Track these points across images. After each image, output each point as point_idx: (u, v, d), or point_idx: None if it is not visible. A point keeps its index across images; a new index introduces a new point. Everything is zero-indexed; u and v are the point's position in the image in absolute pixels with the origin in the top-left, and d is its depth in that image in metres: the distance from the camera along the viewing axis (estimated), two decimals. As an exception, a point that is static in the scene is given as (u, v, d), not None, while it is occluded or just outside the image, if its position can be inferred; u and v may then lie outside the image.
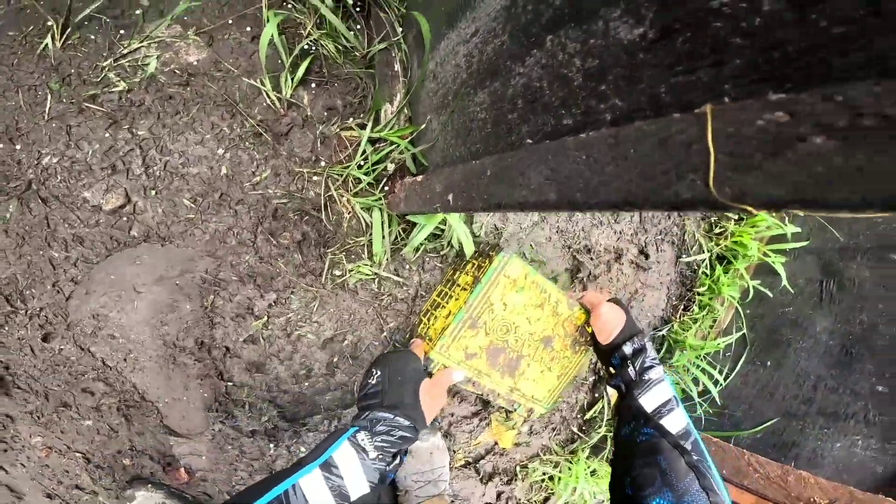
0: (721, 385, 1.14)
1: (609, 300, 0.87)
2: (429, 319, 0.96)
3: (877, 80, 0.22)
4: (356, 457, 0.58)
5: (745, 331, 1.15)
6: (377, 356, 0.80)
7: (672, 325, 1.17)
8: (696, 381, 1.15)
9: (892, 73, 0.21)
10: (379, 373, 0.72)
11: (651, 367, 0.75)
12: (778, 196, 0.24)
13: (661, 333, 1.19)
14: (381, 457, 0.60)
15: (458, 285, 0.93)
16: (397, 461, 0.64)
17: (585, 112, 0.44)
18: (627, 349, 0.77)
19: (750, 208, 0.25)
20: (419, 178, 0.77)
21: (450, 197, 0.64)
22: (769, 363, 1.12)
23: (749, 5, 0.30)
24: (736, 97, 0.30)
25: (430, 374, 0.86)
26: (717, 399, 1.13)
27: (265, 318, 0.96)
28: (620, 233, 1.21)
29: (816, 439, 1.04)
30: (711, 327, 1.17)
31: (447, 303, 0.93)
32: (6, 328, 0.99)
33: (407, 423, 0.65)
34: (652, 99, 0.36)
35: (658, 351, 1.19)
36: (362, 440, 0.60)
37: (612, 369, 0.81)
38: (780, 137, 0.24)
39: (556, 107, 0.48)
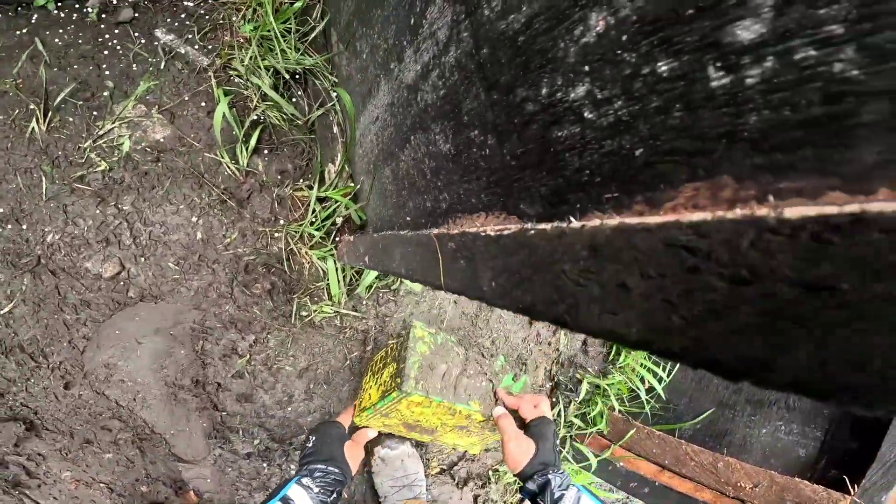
0: (665, 381, 1.25)
1: (532, 420, 0.89)
2: (367, 382, 1.02)
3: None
4: (305, 493, 0.75)
5: (684, 328, 1.24)
6: (314, 426, 0.98)
7: (617, 329, 1.27)
8: (642, 379, 1.26)
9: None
10: (314, 438, 0.90)
11: (561, 496, 0.76)
12: (457, 290, 0.40)
13: (607, 337, 1.29)
14: (322, 492, 0.78)
15: (387, 367, 0.93)
16: (335, 496, 0.81)
17: (434, 199, 0.57)
18: (532, 486, 0.80)
19: (454, 295, 0.41)
20: (352, 238, 0.90)
21: (366, 258, 0.77)
22: (705, 357, 1.21)
23: (483, 140, 0.42)
24: (486, 207, 0.43)
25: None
26: (662, 395, 1.24)
27: (248, 356, 1.11)
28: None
29: (745, 426, 1.14)
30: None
31: (378, 378, 0.96)
32: (32, 380, 1.16)
33: (336, 470, 0.83)
34: (459, 197, 0.50)
35: (607, 355, 1.31)
36: (306, 482, 0.78)
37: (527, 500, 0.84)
38: (454, 256, 0.41)
39: (422, 192, 0.61)
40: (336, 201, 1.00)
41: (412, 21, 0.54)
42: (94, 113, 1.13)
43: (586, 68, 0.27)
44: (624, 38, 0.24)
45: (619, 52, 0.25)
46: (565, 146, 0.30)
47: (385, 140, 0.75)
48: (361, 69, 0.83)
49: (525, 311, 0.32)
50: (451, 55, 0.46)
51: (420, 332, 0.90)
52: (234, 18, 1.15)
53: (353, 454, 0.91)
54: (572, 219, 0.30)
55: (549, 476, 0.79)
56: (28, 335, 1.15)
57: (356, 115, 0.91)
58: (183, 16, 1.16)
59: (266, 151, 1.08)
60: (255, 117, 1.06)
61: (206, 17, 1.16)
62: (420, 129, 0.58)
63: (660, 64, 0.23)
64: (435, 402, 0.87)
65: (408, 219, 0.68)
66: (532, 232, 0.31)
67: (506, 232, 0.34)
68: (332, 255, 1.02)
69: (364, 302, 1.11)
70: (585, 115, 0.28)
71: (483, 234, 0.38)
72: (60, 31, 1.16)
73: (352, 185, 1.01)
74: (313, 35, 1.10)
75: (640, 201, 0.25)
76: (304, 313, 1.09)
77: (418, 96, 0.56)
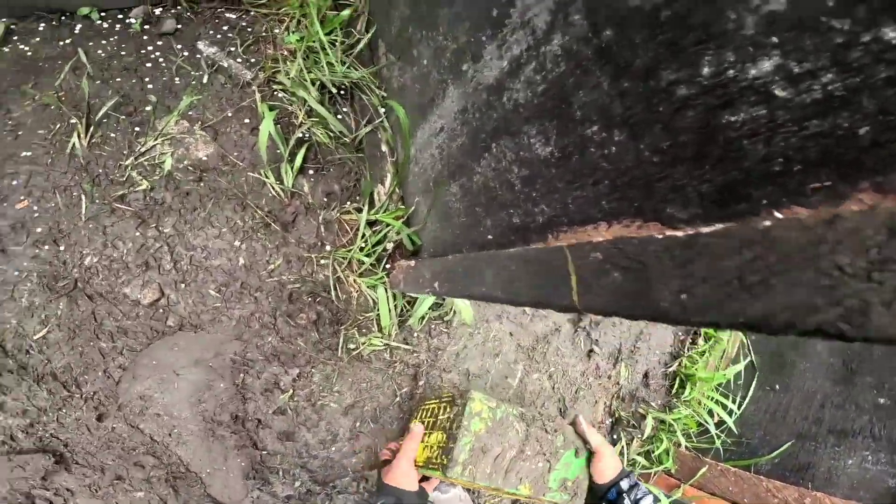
0: (736, 414, 1.14)
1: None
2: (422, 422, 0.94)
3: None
4: None
5: (752, 357, 1.15)
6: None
7: (681, 361, 1.18)
8: (711, 413, 1.15)
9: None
10: None
11: (644, 496, 0.86)
12: (602, 309, 0.33)
13: (671, 370, 1.20)
14: None
15: (437, 431, 0.87)
16: None
17: (525, 213, 0.50)
18: (624, 484, 0.88)
19: (597, 315, 0.34)
20: (412, 263, 0.82)
21: (436, 284, 0.70)
22: (777, 387, 1.11)
23: (605, 136, 0.35)
24: (609, 214, 0.36)
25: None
26: (734, 428, 1.14)
27: (291, 391, 1.04)
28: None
29: (830, 458, 1.04)
30: (721, 358, 1.17)
31: (427, 435, 0.90)
32: (64, 410, 1.11)
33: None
34: (565, 207, 0.42)
35: (671, 388, 1.20)
36: None
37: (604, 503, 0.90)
38: (601, 269, 0.33)
39: (507, 206, 0.54)
40: (387, 225, 0.93)
41: (494, 13, 0.47)
42: (137, 129, 1.08)
43: (774, 39, 0.23)
44: (831, 3, 0.20)
45: (825, 18, 0.21)
46: (743, 133, 0.26)
47: (453, 152, 0.67)
48: (420, 77, 0.76)
49: (749, 325, 0.25)
50: (554, 43, 0.39)
51: (478, 406, 0.81)
52: (276, 31, 1.10)
53: (398, 474, 0.84)
54: (775, 213, 0.25)
55: (637, 480, 0.90)
56: (62, 363, 1.10)
57: (411, 129, 0.84)
58: (225, 28, 1.12)
59: (311, 171, 1.01)
60: (301, 135, 1.00)
61: (248, 29, 1.12)
62: (506, 134, 0.51)
63: (886, 29, 0.19)
64: (481, 485, 0.81)
65: (489, 237, 0.60)
66: (767, 224, 0.25)
67: (705, 231, 0.28)
68: (384, 283, 0.94)
69: (416, 334, 1.03)
70: (777, 92, 0.23)
71: (660, 237, 0.31)
72: (103, 41, 1.12)
73: (402, 207, 0.94)
74: (359, 48, 1.04)
75: (867, 188, 0.21)
76: (351, 346, 1.02)
77: (504, 97, 0.49)
